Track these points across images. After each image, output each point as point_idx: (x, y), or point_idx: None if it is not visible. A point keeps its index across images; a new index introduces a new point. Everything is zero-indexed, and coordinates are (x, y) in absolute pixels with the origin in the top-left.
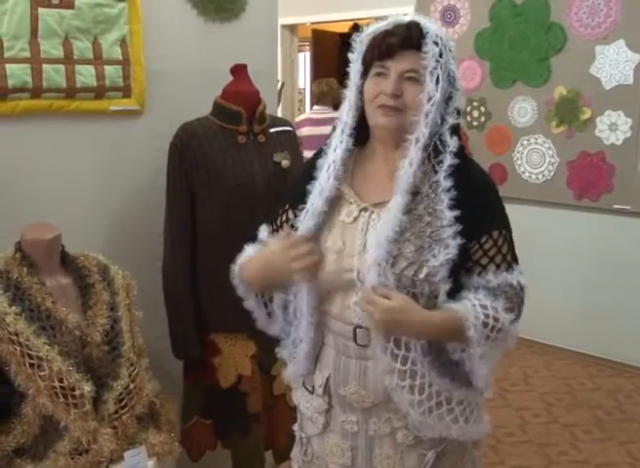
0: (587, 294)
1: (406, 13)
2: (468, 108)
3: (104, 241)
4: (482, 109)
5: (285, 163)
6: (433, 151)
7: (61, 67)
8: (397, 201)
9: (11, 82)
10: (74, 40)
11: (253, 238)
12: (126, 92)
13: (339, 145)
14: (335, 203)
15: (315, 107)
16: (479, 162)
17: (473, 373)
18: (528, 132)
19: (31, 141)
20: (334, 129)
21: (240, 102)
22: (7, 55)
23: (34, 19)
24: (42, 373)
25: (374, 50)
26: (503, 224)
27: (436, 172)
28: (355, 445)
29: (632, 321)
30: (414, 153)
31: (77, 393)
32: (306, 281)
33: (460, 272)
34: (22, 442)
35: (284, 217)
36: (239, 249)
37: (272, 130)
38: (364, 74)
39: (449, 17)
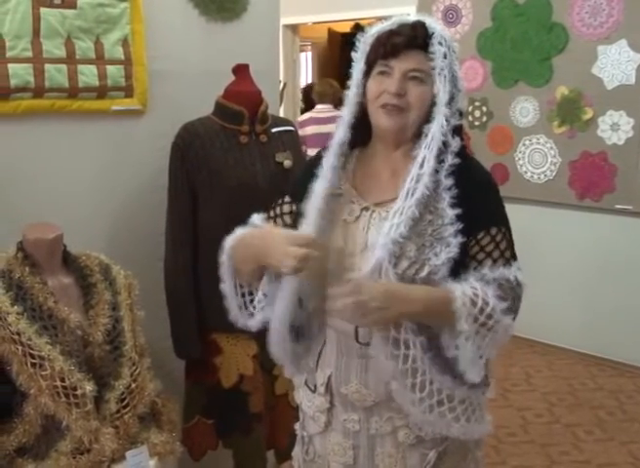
0: (589, 294)
1: (408, 13)
2: (470, 108)
3: (106, 241)
4: (484, 109)
5: (287, 163)
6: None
7: (64, 67)
8: (408, 204)
9: (13, 82)
10: (76, 40)
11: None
12: (128, 91)
13: (333, 141)
14: (337, 202)
15: (318, 107)
16: (481, 162)
17: (462, 365)
18: (530, 132)
19: (33, 141)
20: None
21: (242, 102)
22: (9, 54)
23: (36, 18)
24: (44, 373)
25: (378, 49)
26: (503, 222)
27: (437, 171)
28: (357, 443)
29: (634, 321)
30: (427, 155)
31: (79, 392)
32: (288, 275)
33: (460, 271)
34: (24, 441)
35: (283, 209)
36: None
37: (274, 129)
38: (367, 73)
39: (451, 16)
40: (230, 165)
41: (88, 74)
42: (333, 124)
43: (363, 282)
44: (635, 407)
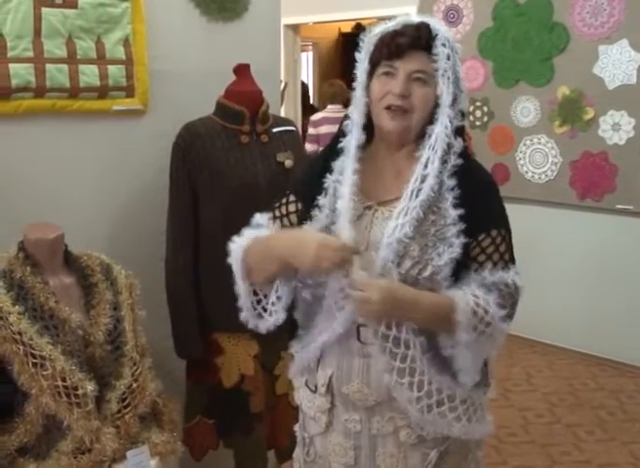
0: (590, 294)
1: (409, 13)
2: (471, 108)
3: (107, 240)
4: (485, 109)
5: (288, 163)
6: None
7: (65, 67)
8: (413, 205)
9: (14, 82)
10: (77, 40)
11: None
12: (129, 91)
13: (351, 144)
14: (334, 195)
15: (330, 107)
16: (482, 162)
17: (457, 365)
18: (531, 131)
19: (34, 141)
20: (341, 133)
21: (243, 102)
22: (10, 54)
23: (37, 18)
24: (45, 373)
25: (382, 49)
26: (503, 224)
27: (440, 172)
28: (358, 444)
29: (635, 321)
30: (431, 156)
31: (80, 392)
32: (318, 276)
33: (461, 270)
34: (25, 441)
35: (289, 208)
36: None
37: (275, 129)
38: (370, 73)
39: (452, 16)
40: (231, 165)
41: (89, 74)
42: None
43: (374, 281)
44: (636, 407)
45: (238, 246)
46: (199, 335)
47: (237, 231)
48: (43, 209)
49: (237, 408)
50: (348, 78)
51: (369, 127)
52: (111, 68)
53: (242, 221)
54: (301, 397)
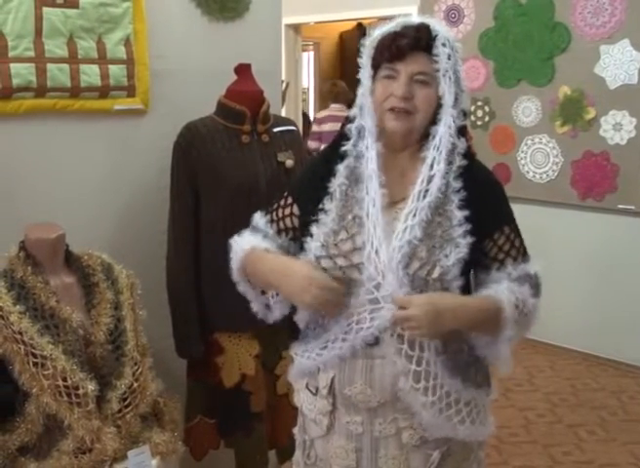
0: (591, 294)
1: (410, 12)
2: (472, 108)
3: (108, 240)
4: (486, 109)
5: (289, 162)
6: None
7: (66, 67)
8: (421, 206)
9: (15, 81)
10: (79, 39)
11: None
12: (130, 91)
13: (371, 154)
14: (346, 202)
15: (333, 106)
16: (483, 162)
17: (497, 357)
18: (532, 131)
19: (35, 141)
20: (343, 136)
21: (244, 102)
22: (11, 54)
23: (39, 18)
24: (46, 372)
25: (383, 52)
26: (511, 219)
27: (446, 172)
28: (360, 446)
29: (637, 321)
30: (436, 157)
31: (81, 392)
32: (311, 311)
33: (470, 269)
34: (26, 440)
35: (286, 211)
36: None
37: (276, 129)
38: (372, 76)
39: (453, 16)
40: (232, 164)
41: (90, 74)
42: None
43: (413, 297)
44: (637, 407)
45: (237, 252)
46: (200, 335)
47: (238, 231)
48: (44, 208)
49: (238, 407)
50: (349, 78)
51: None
52: (112, 68)
53: (243, 221)
54: (302, 399)
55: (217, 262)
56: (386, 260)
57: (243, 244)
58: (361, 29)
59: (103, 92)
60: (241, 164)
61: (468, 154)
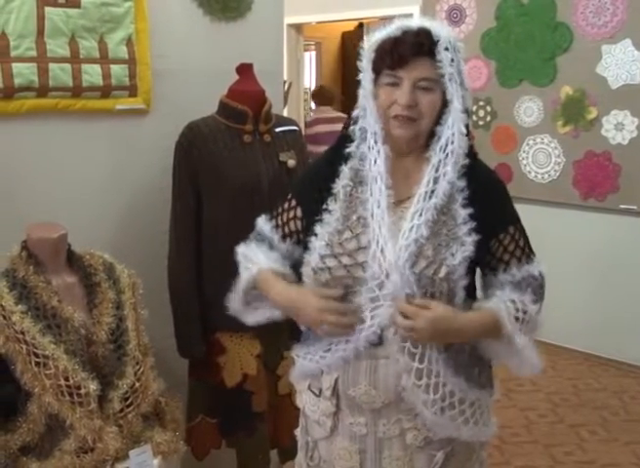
0: (593, 294)
1: (411, 12)
2: (474, 108)
3: (110, 239)
4: (488, 109)
5: (291, 162)
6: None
7: (68, 66)
8: (427, 207)
9: (17, 81)
10: (80, 39)
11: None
12: (132, 91)
13: (377, 157)
14: (350, 203)
15: (321, 108)
16: (485, 162)
17: (525, 365)
18: (534, 131)
19: (37, 140)
20: (346, 137)
21: (246, 102)
22: (13, 54)
23: (41, 18)
24: (48, 372)
25: (384, 58)
26: (516, 218)
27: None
28: (363, 447)
29: (638, 321)
30: (442, 159)
31: (83, 391)
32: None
33: (475, 268)
34: (28, 440)
35: (290, 214)
36: None
37: (278, 129)
38: (374, 79)
39: (455, 16)
40: (234, 164)
41: (92, 73)
42: (338, 123)
43: (421, 311)
44: (639, 407)
45: (243, 269)
46: (201, 335)
47: (240, 230)
48: (46, 208)
49: (239, 407)
50: (350, 78)
51: None
52: (114, 68)
53: (245, 221)
54: (305, 401)
55: (218, 262)
56: (392, 259)
57: (249, 257)
58: (362, 29)
59: (105, 91)
60: (243, 164)
61: (471, 153)
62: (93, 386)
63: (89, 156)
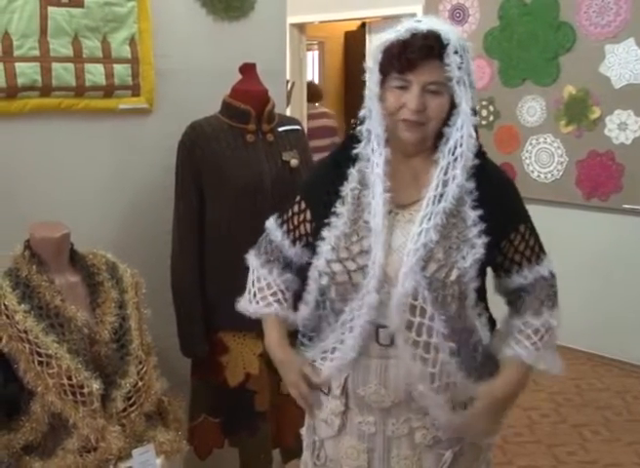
0: (596, 294)
1: (414, 12)
2: (477, 107)
3: (113, 239)
4: (491, 108)
5: (294, 162)
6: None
7: (71, 66)
8: (436, 211)
9: (20, 80)
10: (83, 39)
11: (262, 232)
12: (135, 90)
13: (379, 159)
14: (358, 206)
15: (309, 104)
16: None
17: (548, 368)
18: (537, 131)
19: (40, 140)
20: (353, 138)
21: (249, 101)
22: (16, 53)
23: (44, 17)
24: (51, 371)
25: (392, 61)
26: (526, 217)
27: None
28: (372, 446)
29: None
30: (451, 163)
31: (86, 391)
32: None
33: (485, 270)
34: (31, 439)
35: (301, 217)
36: (247, 247)
37: (281, 129)
38: (381, 81)
39: (458, 15)
40: (237, 164)
41: (95, 73)
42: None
43: (473, 420)
44: None
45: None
46: (204, 334)
47: (243, 229)
48: (48, 207)
49: (242, 406)
50: (353, 77)
51: None
52: (117, 67)
53: (247, 220)
54: None
55: (221, 261)
56: (398, 263)
57: (260, 278)
58: (365, 29)
59: (108, 91)
60: (246, 163)
61: (480, 153)
62: (96, 385)
63: (92, 155)
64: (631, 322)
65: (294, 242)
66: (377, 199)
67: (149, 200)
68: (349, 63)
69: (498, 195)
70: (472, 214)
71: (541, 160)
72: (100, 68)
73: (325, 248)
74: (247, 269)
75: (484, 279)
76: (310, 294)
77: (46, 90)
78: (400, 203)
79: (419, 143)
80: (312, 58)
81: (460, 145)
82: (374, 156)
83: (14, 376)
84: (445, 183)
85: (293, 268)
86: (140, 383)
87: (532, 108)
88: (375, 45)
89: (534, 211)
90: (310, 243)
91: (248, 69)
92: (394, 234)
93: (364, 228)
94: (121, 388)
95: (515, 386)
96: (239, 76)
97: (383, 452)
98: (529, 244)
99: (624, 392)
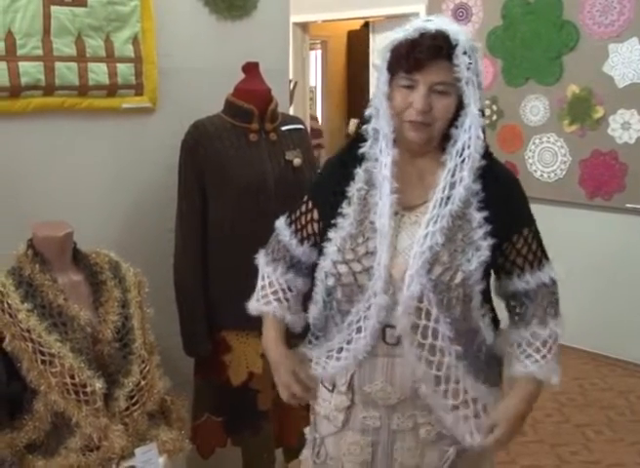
0: (600, 294)
1: (417, 11)
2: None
3: (116, 238)
4: (494, 108)
5: (297, 161)
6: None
7: (74, 65)
8: (442, 213)
9: (23, 80)
10: (87, 38)
11: (271, 231)
12: (138, 89)
13: (386, 159)
14: (364, 207)
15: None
16: None
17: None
18: (540, 130)
19: (43, 139)
20: (360, 137)
21: (252, 100)
22: (20, 52)
23: (47, 16)
24: (54, 370)
25: (400, 61)
26: (531, 220)
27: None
28: (376, 439)
29: None
30: (458, 165)
31: (88, 390)
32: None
33: (490, 272)
34: (34, 438)
35: (308, 217)
36: (250, 246)
37: (284, 128)
38: (390, 81)
39: (461, 14)
40: (240, 163)
41: (98, 72)
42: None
43: (498, 430)
44: None
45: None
46: (207, 333)
47: (246, 229)
48: (52, 206)
49: (245, 405)
50: (355, 76)
51: None
52: (120, 66)
53: (250, 219)
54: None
55: (224, 260)
56: (404, 265)
57: (264, 276)
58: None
59: (111, 90)
60: (249, 162)
61: (487, 154)
62: (98, 384)
63: (94, 154)
64: (634, 321)
65: (301, 241)
66: (384, 200)
67: (152, 199)
68: (352, 63)
69: (503, 196)
70: (478, 216)
71: (545, 159)
72: (103, 67)
73: (331, 249)
74: (250, 268)
75: (489, 280)
76: (318, 295)
77: (49, 89)
78: (406, 204)
79: (424, 144)
80: (315, 58)
81: (468, 147)
82: (382, 156)
83: (17, 375)
84: (452, 186)
85: (301, 268)
86: (143, 382)
87: (535, 107)
88: (384, 44)
89: (537, 210)
90: (318, 243)
91: (251, 68)
92: (400, 236)
93: (370, 229)
94: (124, 387)
95: (531, 402)
96: (242, 75)
97: (387, 445)
98: (531, 248)
99: (628, 392)
